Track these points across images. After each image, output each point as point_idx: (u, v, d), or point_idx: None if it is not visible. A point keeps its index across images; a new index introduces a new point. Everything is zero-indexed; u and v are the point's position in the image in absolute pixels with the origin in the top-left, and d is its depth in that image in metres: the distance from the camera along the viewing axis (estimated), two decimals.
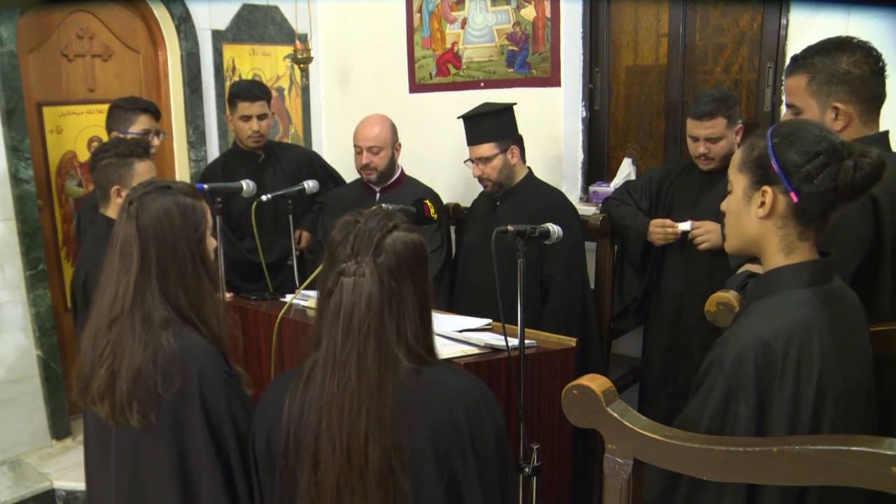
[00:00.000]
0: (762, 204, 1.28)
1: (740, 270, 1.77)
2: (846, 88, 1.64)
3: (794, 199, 1.25)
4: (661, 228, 2.56)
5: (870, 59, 1.64)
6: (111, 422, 1.48)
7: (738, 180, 1.33)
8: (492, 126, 2.62)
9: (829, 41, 1.69)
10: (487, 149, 2.61)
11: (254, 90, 3.07)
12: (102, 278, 1.54)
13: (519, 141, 2.68)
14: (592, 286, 2.86)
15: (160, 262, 1.50)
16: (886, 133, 1.69)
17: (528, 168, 2.74)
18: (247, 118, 3.06)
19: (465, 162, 2.74)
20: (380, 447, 1.22)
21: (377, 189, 2.99)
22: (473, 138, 2.65)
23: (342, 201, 3.02)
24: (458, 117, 2.70)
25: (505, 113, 2.64)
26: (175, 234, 1.51)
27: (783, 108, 2.77)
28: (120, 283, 1.50)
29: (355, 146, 2.94)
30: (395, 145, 2.96)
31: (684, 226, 2.51)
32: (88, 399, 1.51)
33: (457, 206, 3.26)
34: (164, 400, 1.45)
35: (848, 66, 1.64)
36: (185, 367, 1.46)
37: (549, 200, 2.65)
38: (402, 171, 3.05)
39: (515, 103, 2.67)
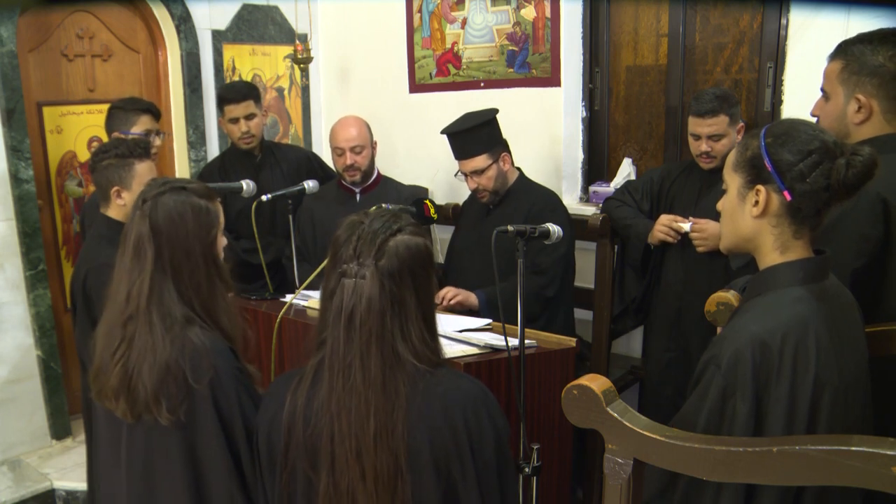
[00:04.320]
0: (756, 203, 1.29)
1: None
2: (875, 81, 1.61)
3: (788, 197, 1.25)
4: (666, 225, 2.52)
5: None
6: (130, 419, 1.48)
7: (732, 180, 1.34)
8: (481, 137, 2.59)
9: (882, 31, 1.65)
10: (481, 161, 2.59)
11: (238, 91, 3.04)
12: (115, 276, 1.54)
13: (507, 146, 2.67)
14: (592, 286, 2.86)
15: (174, 263, 1.51)
16: None
17: (518, 169, 2.73)
18: (234, 120, 3.04)
19: (455, 175, 2.70)
20: (388, 450, 1.21)
21: (357, 190, 2.98)
22: (464, 153, 2.61)
23: (322, 206, 2.99)
24: (442, 132, 2.66)
25: (491, 122, 2.62)
26: (188, 235, 1.52)
27: (783, 108, 2.79)
28: (134, 282, 1.50)
29: (336, 149, 2.91)
30: (373, 144, 2.97)
31: (685, 225, 2.50)
32: (104, 397, 1.51)
33: (456, 206, 3.26)
34: (197, 393, 1.46)
35: (885, 59, 1.60)
36: (205, 360, 1.47)
37: (541, 201, 2.65)
38: (379, 171, 3.05)
39: (497, 110, 2.65)
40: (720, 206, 1.39)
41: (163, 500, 1.53)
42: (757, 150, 1.28)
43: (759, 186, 1.28)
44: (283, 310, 2.25)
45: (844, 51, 1.67)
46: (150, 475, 1.52)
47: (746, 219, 1.31)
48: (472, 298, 2.48)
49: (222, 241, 1.62)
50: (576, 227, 2.77)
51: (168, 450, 1.50)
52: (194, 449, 1.50)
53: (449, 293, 2.46)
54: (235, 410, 1.49)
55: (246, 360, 1.61)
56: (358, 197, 2.97)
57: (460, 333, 2.03)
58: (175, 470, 1.50)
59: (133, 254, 1.51)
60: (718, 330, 1.60)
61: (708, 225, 2.43)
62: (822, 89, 1.73)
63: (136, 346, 1.47)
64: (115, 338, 1.49)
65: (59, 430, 3.21)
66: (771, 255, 1.31)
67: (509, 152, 2.67)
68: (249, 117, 3.04)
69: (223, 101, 3.05)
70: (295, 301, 2.34)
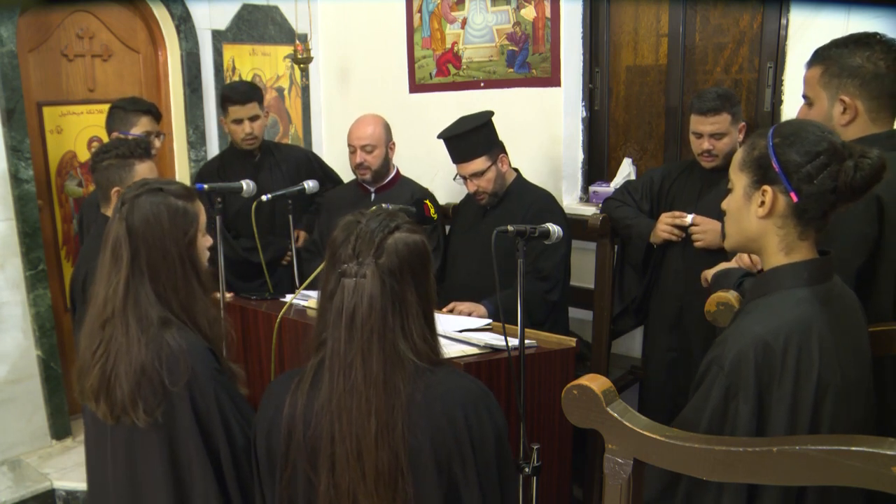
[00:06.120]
0: (762, 203, 1.28)
1: (719, 267, 1.77)
2: (856, 82, 1.63)
3: (794, 198, 1.25)
4: (668, 223, 2.52)
5: (889, 55, 1.61)
6: (110, 420, 1.49)
7: (738, 179, 1.33)
8: (479, 140, 2.59)
9: (854, 35, 1.67)
10: (480, 163, 2.60)
11: (243, 92, 3.02)
12: (96, 277, 1.55)
13: (503, 147, 2.68)
14: (592, 286, 2.86)
15: (150, 265, 1.51)
16: (894, 133, 1.67)
17: (516, 170, 2.74)
18: (238, 121, 3.03)
19: (454, 179, 2.71)
20: (389, 449, 1.21)
21: (372, 189, 2.98)
22: (463, 156, 2.62)
23: (338, 202, 3.02)
24: (438, 137, 2.66)
25: (488, 124, 2.62)
26: (164, 237, 1.51)
27: (783, 108, 2.79)
28: (111, 284, 1.50)
29: (349, 146, 2.93)
30: (388, 144, 2.96)
31: (687, 217, 2.51)
32: (85, 397, 1.52)
33: (456, 206, 3.26)
34: (174, 394, 1.46)
35: (863, 60, 1.62)
36: (182, 362, 1.47)
37: (538, 202, 2.66)
38: (398, 171, 3.05)
39: (493, 112, 2.65)
40: (725, 205, 1.38)
41: (146, 500, 1.53)
42: (764, 149, 1.27)
43: (766, 187, 1.27)
44: (283, 310, 2.25)
45: (821, 55, 1.69)
46: (133, 475, 1.53)
47: (752, 219, 1.31)
48: (481, 310, 2.46)
49: (205, 242, 1.61)
50: (576, 227, 2.78)
51: (149, 451, 1.50)
52: (174, 449, 1.50)
53: (464, 308, 2.44)
54: (213, 411, 1.49)
55: (230, 359, 1.61)
56: (373, 196, 2.98)
57: (460, 333, 2.03)
58: (156, 470, 1.50)
59: (111, 256, 1.51)
60: (720, 329, 1.60)
61: (708, 222, 2.43)
62: (805, 96, 1.74)
63: (113, 348, 1.47)
64: (95, 338, 1.50)
65: (59, 430, 3.20)
66: (776, 256, 1.30)
67: (506, 153, 2.68)
68: (253, 119, 3.04)
69: (227, 101, 3.04)
70: (295, 301, 2.34)
